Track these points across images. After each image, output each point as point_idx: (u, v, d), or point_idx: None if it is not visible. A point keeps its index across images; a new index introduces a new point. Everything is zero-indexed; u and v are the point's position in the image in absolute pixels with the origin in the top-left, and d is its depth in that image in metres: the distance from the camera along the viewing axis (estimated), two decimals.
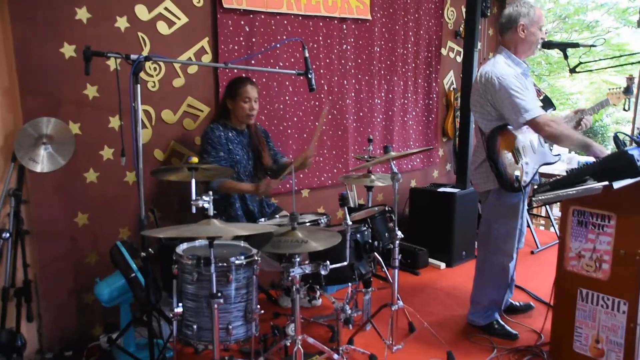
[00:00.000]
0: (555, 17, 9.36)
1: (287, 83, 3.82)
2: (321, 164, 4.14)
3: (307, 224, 2.95)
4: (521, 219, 3.00)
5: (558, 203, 4.45)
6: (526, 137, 2.93)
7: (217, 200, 2.95)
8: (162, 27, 3.19)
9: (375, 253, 2.89)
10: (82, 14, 2.88)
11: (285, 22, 3.74)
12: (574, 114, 2.97)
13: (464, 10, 4.88)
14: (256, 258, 2.46)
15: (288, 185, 3.84)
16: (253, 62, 3.59)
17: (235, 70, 3.48)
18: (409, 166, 4.88)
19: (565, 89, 9.72)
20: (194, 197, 2.34)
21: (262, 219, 3.22)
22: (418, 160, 4.96)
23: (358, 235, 2.74)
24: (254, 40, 3.57)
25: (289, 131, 3.89)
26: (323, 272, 2.38)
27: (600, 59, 3.50)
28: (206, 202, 2.27)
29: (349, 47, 4.16)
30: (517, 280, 3.82)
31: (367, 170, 3.44)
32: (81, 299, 3.07)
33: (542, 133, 2.78)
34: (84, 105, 2.96)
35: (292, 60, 3.82)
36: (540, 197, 2.52)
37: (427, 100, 4.98)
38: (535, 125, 2.74)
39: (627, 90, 2.96)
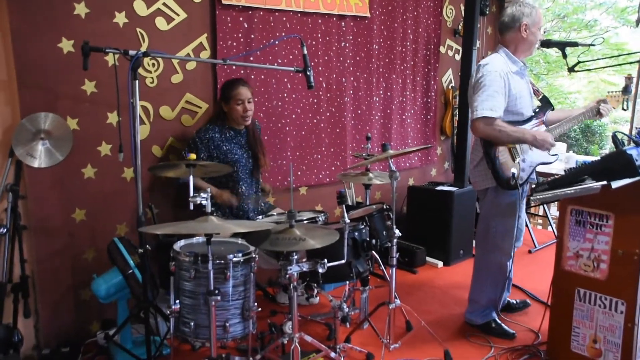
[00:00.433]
0: (554, 16, 9.37)
1: (285, 80, 3.82)
2: (319, 162, 4.14)
3: (305, 222, 2.95)
4: (519, 217, 3.01)
5: (556, 202, 4.46)
6: None
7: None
8: (161, 23, 3.18)
9: (373, 251, 2.90)
10: (81, 9, 2.87)
11: (284, 18, 3.73)
12: (596, 104, 2.97)
13: (462, 8, 4.87)
14: (254, 255, 2.46)
15: (286, 183, 3.84)
16: (252, 58, 3.58)
17: (234, 67, 3.47)
18: (407, 164, 4.88)
19: (564, 88, 9.75)
20: (191, 193, 2.34)
21: (260, 217, 3.22)
22: (416, 158, 4.96)
23: (356, 234, 2.74)
24: (252, 36, 3.56)
25: (287, 128, 3.88)
26: (321, 270, 2.38)
27: (598, 58, 3.50)
28: (204, 199, 2.27)
29: (347, 45, 4.16)
30: (514, 280, 3.83)
31: (365, 168, 3.44)
32: (78, 295, 3.06)
33: (474, 133, 2.87)
34: (82, 101, 2.95)
35: (291, 57, 3.81)
36: (538, 197, 2.53)
37: (425, 99, 4.97)
38: (472, 124, 2.83)
39: (626, 90, 2.96)
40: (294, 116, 3.92)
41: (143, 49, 3.09)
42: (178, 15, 3.24)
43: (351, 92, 4.28)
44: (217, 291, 2.23)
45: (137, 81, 2.40)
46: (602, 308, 2.52)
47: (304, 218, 3.03)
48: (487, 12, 5.07)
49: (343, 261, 2.56)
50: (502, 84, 2.80)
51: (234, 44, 3.49)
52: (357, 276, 2.76)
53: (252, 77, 3.59)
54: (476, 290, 3.18)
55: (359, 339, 3.01)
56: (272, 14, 3.65)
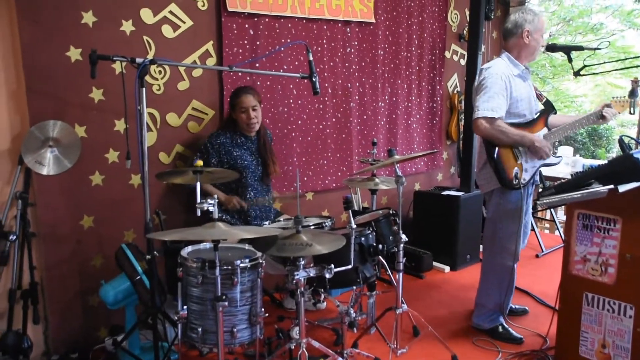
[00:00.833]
0: (560, 19, 9.35)
1: (291, 86, 3.83)
2: (325, 167, 4.15)
3: (312, 227, 2.95)
4: (525, 218, 3.02)
5: (563, 206, 4.44)
6: None
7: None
8: (167, 31, 3.21)
9: (380, 256, 2.89)
10: (88, 17, 2.90)
11: (289, 25, 3.75)
12: (602, 108, 2.97)
13: (467, 13, 4.87)
14: (261, 261, 2.47)
15: (292, 188, 3.85)
16: (257, 65, 3.60)
17: (240, 74, 3.49)
18: (413, 169, 4.88)
19: (570, 92, 9.71)
20: (198, 200, 2.35)
21: (266, 223, 3.23)
22: (422, 163, 4.96)
23: (362, 239, 2.74)
24: (258, 43, 3.58)
25: (293, 134, 3.90)
26: (327, 276, 2.38)
27: (605, 62, 3.49)
28: (211, 205, 2.28)
29: (352, 50, 4.17)
30: (522, 284, 3.83)
31: (371, 174, 3.45)
32: (86, 301, 3.08)
33: (475, 132, 2.94)
34: (90, 109, 2.97)
35: (296, 63, 3.82)
36: (545, 201, 2.52)
37: (431, 103, 4.98)
38: (474, 123, 2.89)
39: (633, 93, 2.95)
40: (299, 122, 3.93)
41: (150, 56, 3.12)
42: (184, 22, 3.27)
43: (357, 97, 4.29)
44: (224, 297, 2.23)
45: (144, 88, 2.42)
46: (611, 312, 2.51)
47: (311, 224, 3.03)
48: (492, 17, 5.08)
49: (350, 266, 2.55)
50: (503, 86, 2.86)
51: (240, 50, 3.51)
52: (364, 281, 2.76)
53: (258, 83, 3.61)
54: (483, 293, 3.18)
55: (366, 344, 3.01)
56: (278, 20, 3.67)
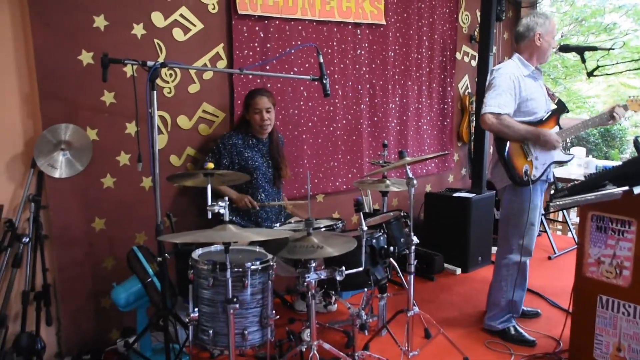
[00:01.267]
0: (572, 19, 9.26)
1: (301, 88, 3.83)
2: (336, 169, 4.14)
3: (323, 230, 2.95)
4: (536, 216, 3.06)
5: (576, 208, 4.40)
6: None
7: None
8: (178, 34, 3.22)
9: (391, 258, 2.88)
10: (100, 21, 2.92)
11: (300, 27, 3.75)
12: (612, 108, 3.00)
13: (478, 14, 4.85)
14: (271, 263, 2.47)
15: (303, 191, 3.85)
16: (268, 67, 3.60)
17: (250, 76, 3.50)
18: (424, 171, 4.86)
19: (582, 93, 9.61)
20: (209, 202, 2.35)
21: (277, 225, 3.23)
22: (433, 165, 4.93)
23: (373, 241, 2.73)
24: (268, 45, 3.58)
25: (304, 136, 3.89)
26: (338, 278, 2.38)
27: (618, 62, 3.45)
28: (222, 207, 2.28)
29: (363, 52, 4.16)
30: (534, 286, 3.80)
31: (382, 176, 3.43)
32: (98, 303, 3.10)
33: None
34: (101, 112, 2.99)
35: (307, 65, 3.83)
36: (558, 203, 2.50)
37: (441, 105, 4.95)
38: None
39: None
40: (310, 124, 3.93)
41: (161, 59, 3.14)
42: (195, 25, 3.28)
43: (367, 99, 4.28)
44: (235, 299, 2.23)
45: (155, 91, 2.43)
46: (626, 315, 2.47)
47: (322, 226, 3.03)
48: (504, 18, 5.05)
49: (361, 268, 2.55)
50: (511, 85, 2.94)
51: (250, 53, 3.52)
52: (375, 283, 2.75)
53: (269, 86, 3.61)
54: (496, 291, 3.17)
55: (378, 347, 3.00)
56: (288, 23, 3.67)
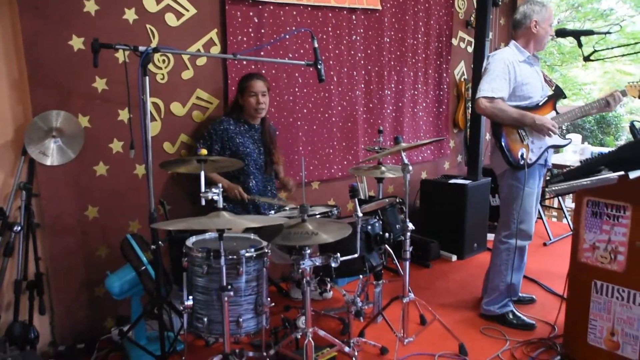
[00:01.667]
0: (568, 6, 9.23)
1: (296, 74, 3.80)
2: (331, 156, 4.12)
3: (318, 216, 2.93)
4: (534, 200, 3.10)
5: (571, 194, 4.40)
6: None
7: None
8: (171, 19, 3.17)
9: (386, 245, 2.87)
10: (91, 6, 2.87)
11: (294, 12, 3.71)
12: (609, 95, 3.03)
13: None
14: (266, 250, 2.45)
15: (298, 177, 3.83)
16: (262, 53, 3.57)
17: (245, 62, 3.46)
18: (420, 157, 4.84)
19: (578, 79, 9.61)
20: (203, 189, 2.33)
21: (272, 212, 3.21)
22: (429, 151, 4.92)
23: (369, 227, 2.72)
24: (262, 31, 3.54)
25: (299, 123, 3.87)
26: (334, 265, 2.37)
27: (613, 47, 3.44)
28: (215, 194, 2.26)
29: (358, 38, 4.12)
30: (529, 273, 3.81)
31: (378, 162, 3.42)
32: (92, 291, 3.08)
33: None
34: (93, 98, 2.96)
35: (302, 51, 3.79)
36: (553, 188, 2.50)
37: (437, 91, 4.93)
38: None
39: None
40: (305, 111, 3.90)
41: (153, 45, 3.09)
42: (188, 10, 3.23)
43: (362, 85, 4.25)
44: (229, 287, 2.23)
45: (147, 77, 2.40)
46: (620, 300, 2.48)
47: (317, 212, 3.01)
48: (500, 3, 5.01)
49: (356, 255, 2.54)
50: (506, 70, 2.97)
51: (244, 38, 3.47)
52: (371, 270, 2.75)
53: (263, 71, 3.58)
54: (495, 275, 3.19)
55: (373, 333, 3.00)
56: (282, 8, 3.63)
